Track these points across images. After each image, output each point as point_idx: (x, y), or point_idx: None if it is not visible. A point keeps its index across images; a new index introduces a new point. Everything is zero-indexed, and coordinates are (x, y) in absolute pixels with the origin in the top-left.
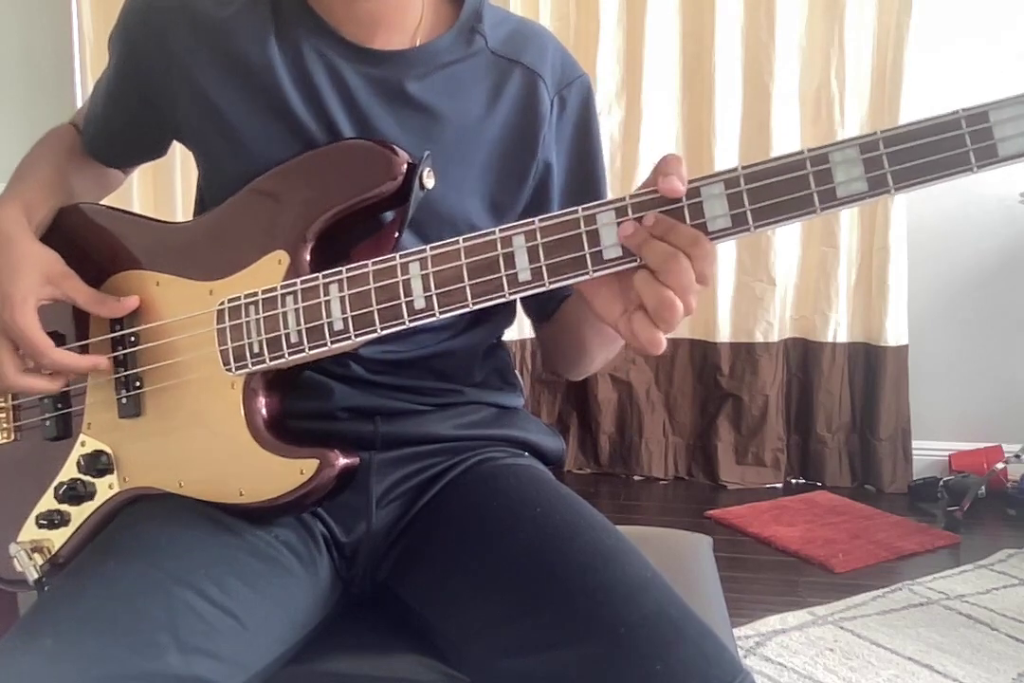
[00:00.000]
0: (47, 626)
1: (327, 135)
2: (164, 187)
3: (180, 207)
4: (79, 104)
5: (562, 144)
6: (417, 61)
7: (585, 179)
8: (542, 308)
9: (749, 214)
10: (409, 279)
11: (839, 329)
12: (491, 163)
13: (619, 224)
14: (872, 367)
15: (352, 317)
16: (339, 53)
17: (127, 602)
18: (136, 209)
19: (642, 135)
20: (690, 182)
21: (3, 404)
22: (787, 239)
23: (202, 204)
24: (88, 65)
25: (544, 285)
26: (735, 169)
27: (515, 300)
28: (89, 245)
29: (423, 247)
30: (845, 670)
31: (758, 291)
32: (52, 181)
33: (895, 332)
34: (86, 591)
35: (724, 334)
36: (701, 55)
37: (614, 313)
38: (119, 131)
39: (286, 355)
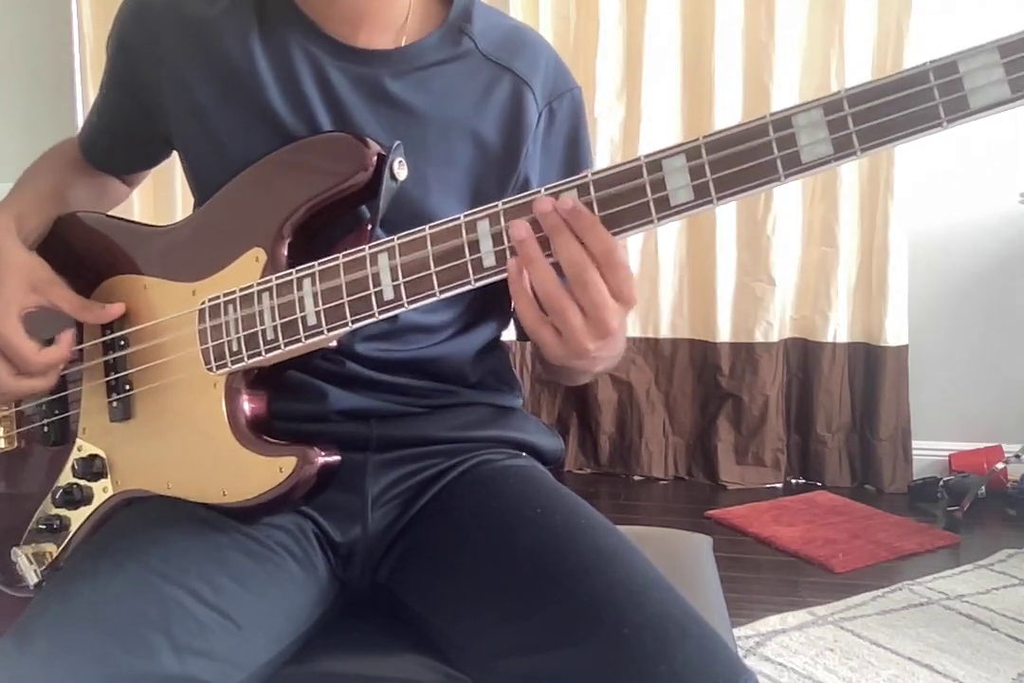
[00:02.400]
0: (40, 628)
1: (309, 132)
2: (164, 193)
3: (180, 214)
4: (78, 104)
5: (552, 157)
6: (401, 60)
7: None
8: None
9: (711, 185)
10: (378, 270)
11: (839, 329)
12: (474, 166)
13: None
14: (872, 367)
15: (324, 310)
16: (323, 50)
17: (119, 603)
18: (136, 216)
19: (642, 135)
20: (652, 155)
21: (6, 412)
22: (787, 239)
23: (195, 207)
24: (88, 65)
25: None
26: (696, 139)
27: (509, 301)
28: (83, 252)
29: (391, 237)
30: (845, 670)
31: (758, 291)
32: (47, 193)
33: (895, 332)
34: (78, 593)
35: (724, 334)
36: (701, 55)
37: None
38: (114, 134)
39: (263, 352)
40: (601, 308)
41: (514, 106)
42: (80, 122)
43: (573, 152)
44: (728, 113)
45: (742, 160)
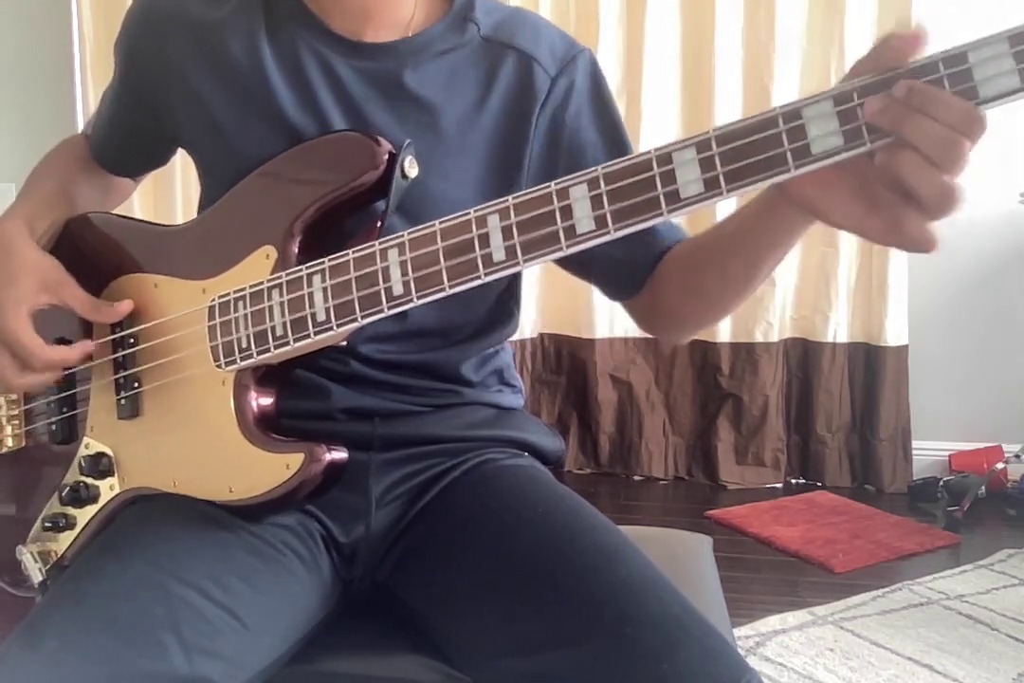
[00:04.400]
0: (51, 628)
1: (320, 130)
2: (164, 195)
3: (180, 215)
4: (78, 104)
5: (587, 122)
6: (409, 52)
7: (620, 150)
8: (630, 280)
9: (721, 177)
10: (388, 265)
11: (839, 329)
12: (489, 151)
13: (863, 102)
14: (872, 367)
15: (333, 307)
16: (331, 48)
17: (129, 602)
18: (137, 216)
19: (642, 135)
20: (662, 148)
21: (15, 411)
22: None
23: (202, 207)
24: (88, 66)
25: (518, 264)
26: (707, 132)
27: (519, 303)
28: (94, 251)
29: (401, 233)
30: (845, 670)
31: (758, 291)
32: (57, 194)
33: (895, 332)
34: (88, 592)
35: (724, 334)
36: (701, 55)
37: (854, 215)
38: (122, 138)
39: (272, 348)
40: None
41: (521, 81)
42: (80, 122)
43: (605, 111)
44: (728, 113)
45: (752, 152)
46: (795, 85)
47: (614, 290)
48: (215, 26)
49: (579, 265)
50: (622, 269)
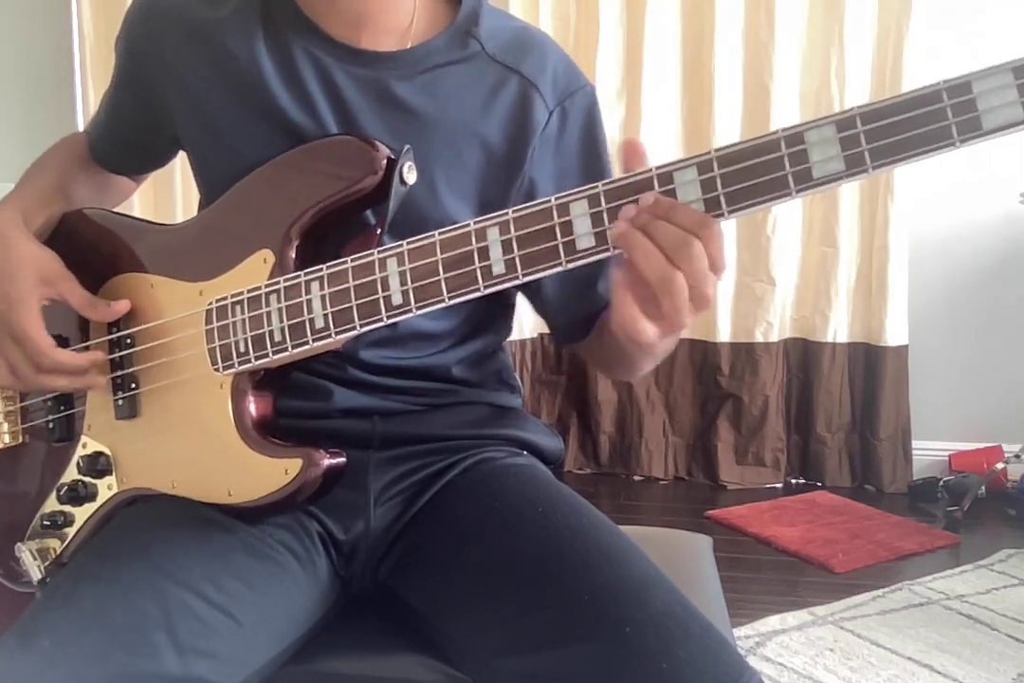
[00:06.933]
0: (44, 627)
1: (316, 134)
2: (164, 195)
3: (180, 215)
4: (78, 104)
5: (567, 156)
6: (406, 63)
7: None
8: (571, 330)
9: (722, 199)
10: (387, 275)
11: (839, 329)
12: (480, 169)
13: (614, 207)
14: (872, 367)
15: (332, 314)
16: (328, 53)
17: (123, 603)
18: (137, 215)
19: (642, 135)
20: (662, 167)
21: (11, 407)
22: (787, 239)
23: (201, 208)
24: (88, 65)
25: (517, 277)
26: (708, 153)
27: (513, 307)
28: (90, 249)
29: (400, 242)
30: (845, 670)
31: (758, 291)
32: (53, 188)
33: (895, 332)
34: (82, 592)
35: (724, 334)
36: (701, 55)
37: (632, 317)
38: (120, 136)
39: (270, 354)
40: (703, 280)
41: (520, 108)
42: (80, 122)
43: (592, 150)
44: (728, 113)
45: (753, 175)
46: (795, 85)
47: (562, 335)
48: (213, 27)
49: (539, 304)
50: (567, 317)
